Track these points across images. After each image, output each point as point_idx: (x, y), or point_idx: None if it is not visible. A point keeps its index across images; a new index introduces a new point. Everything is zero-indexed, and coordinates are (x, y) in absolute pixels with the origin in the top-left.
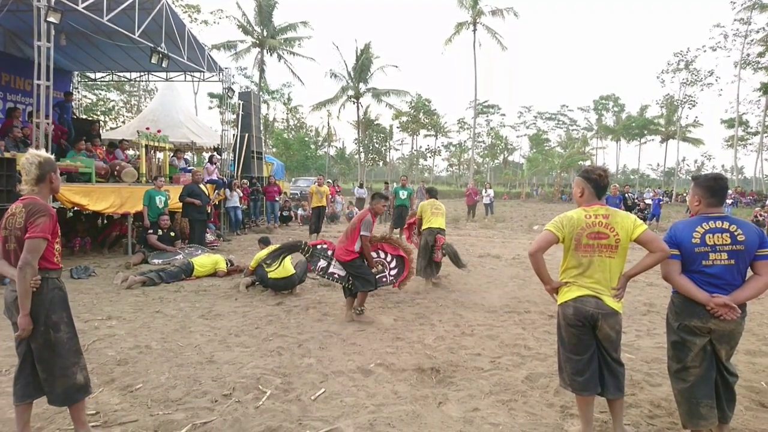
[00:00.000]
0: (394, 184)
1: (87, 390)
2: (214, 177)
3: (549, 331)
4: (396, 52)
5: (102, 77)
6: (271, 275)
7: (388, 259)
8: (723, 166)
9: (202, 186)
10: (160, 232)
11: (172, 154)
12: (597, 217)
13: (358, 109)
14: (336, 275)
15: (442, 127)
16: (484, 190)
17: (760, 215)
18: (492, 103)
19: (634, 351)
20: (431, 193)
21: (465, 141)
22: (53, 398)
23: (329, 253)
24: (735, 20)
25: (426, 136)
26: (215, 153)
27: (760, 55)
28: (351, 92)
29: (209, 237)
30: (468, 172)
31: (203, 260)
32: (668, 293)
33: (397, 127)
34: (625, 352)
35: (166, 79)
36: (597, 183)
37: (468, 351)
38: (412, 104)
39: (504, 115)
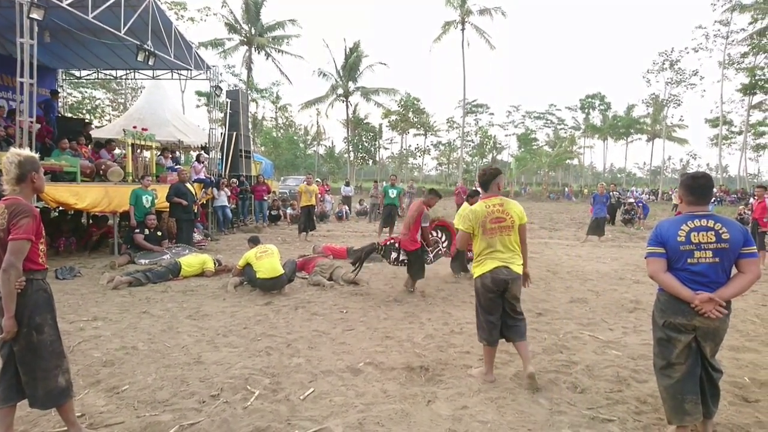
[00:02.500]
0: (384, 183)
1: (69, 393)
2: (202, 176)
3: (537, 328)
4: (385, 51)
5: (87, 75)
6: (259, 275)
7: (438, 234)
8: (708, 164)
9: (188, 185)
10: (146, 231)
11: (159, 153)
12: (494, 206)
13: (347, 107)
14: (405, 261)
15: (432, 126)
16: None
17: (744, 213)
18: (481, 102)
19: (621, 348)
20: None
21: (454, 140)
22: (34, 401)
23: (397, 245)
24: (716, 21)
25: (415, 135)
26: (203, 152)
27: (744, 55)
28: (340, 91)
29: (197, 236)
30: (457, 171)
31: (190, 260)
32: (654, 291)
33: (387, 126)
34: (611, 349)
35: (153, 77)
36: (485, 182)
37: (457, 349)
38: (402, 103)
39: (492, 114)
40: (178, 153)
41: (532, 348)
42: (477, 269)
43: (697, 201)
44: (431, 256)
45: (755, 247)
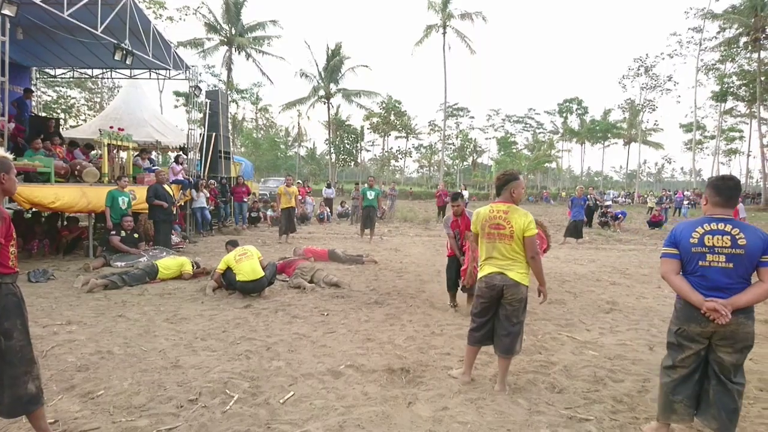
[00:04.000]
0: (365, 185)
1: (39, 401)
2: (180, 177)
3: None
4: (367, 53)
5: (62, 74)
6: (239, 278)
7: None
8: (682, 168)
9: (166, 186)
10: (123, 233)
11: (136, 154)
12: (498, 212)
13: (328, 109)
14: None
15: (413, 128)
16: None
17: None
18: (462, 105)
19: (598, 348)
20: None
21: (435, 143)
22: (1, 409)
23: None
24: (689, 29)
25: (397, 137)
26: (181, 153)
27: (719, 62)
28: (322, 92)
29: (175, 239)
30: (438, 173)
31: (168, 262)
32: (630, 292)
33: (368, 128)
34: (589, 350)
35: (130, 77)
36: (498, 186)
37: (438, 350)
38: (383, 105)
39: (473, 117)
40: (155, 154)
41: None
42: (479, 273)
43: (723, 203)
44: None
45: None
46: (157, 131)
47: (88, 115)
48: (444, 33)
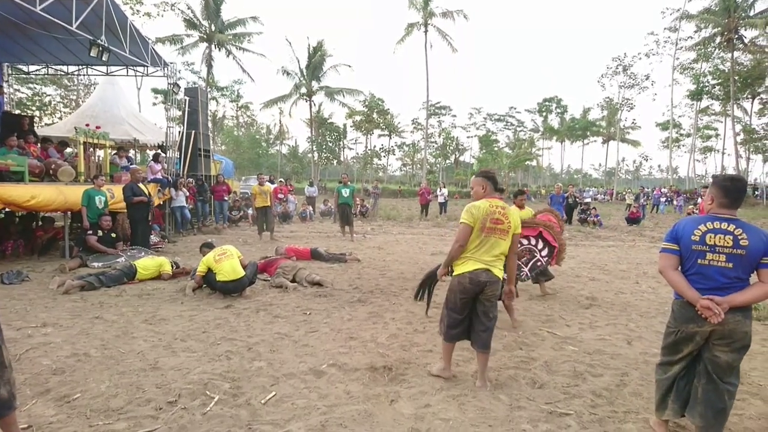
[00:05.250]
0: (337, 183)
1: (10, 405)
2: (159, 176)
3: (498, 326)
4: (349, 51)
5: (36, 70)
6: (219, 278)
7: (533, 242)
8: (659, 166)
9: (141, 185)
10: (100, 233)
11: (113, 152)
12: (497, 208)
13: (310, 107)
14: None
15: (396, 126)
16: (438, 190)
17: (693, 212)
18: (444, 104)
19: (578, 343)
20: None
21: (418, 141)
22: None
23: None
24: (665, 28)
25: (380, 135)
26: (160, 151)
27: (695, 61)
28: (303, 90)
29: (153, 238)
30: (421, 171)
31: (147, 263)
32: (609, 288)
33: (351, 126)
34: (569, 345)
35: (107, 74)
36: (495, 181)
37: (420, 348)
38: (366, 103)
39: (455, 116)
40: (133, 152)
41: (493, 345)
42: (458, 267)
43: (730, 204)
44: (526, 269)
45: None
46: (134, 129)
47: (64, 112)
48: (425, 31)
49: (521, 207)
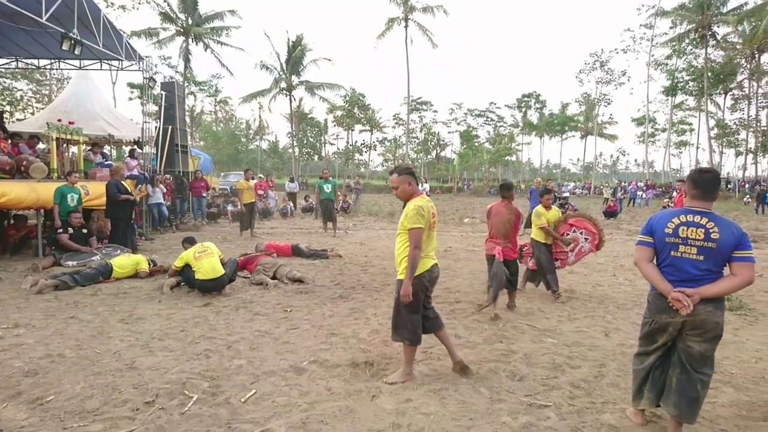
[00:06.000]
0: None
1: None
2: (135, 172)
3: (478, 320)
4: (330, 46)
5: (5, 64)
6: (198, 276)
7: (577, 233)
8: (636, 160)
9: (123, 182)
10: (71, 230)
11: (87, 148)
12: (430, 203)
13: (290, 101)
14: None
15: (377, 122)
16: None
17: (668, 205)
18: (425, 99)
19: (556, 335)
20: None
21: (399, 136)
22: None
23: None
24: (641, 25)
25: (361, 131)
26: (136, 147)
27: (669, 57)
28: (283, 84)
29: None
30: None
31: (123, 261)
32: (587, 280)
33: (332, 122)
34: (547, 337)
35: (80, 68)
36: (416, 177)
37: (402, 343)
38: (347, 98)
39: (436, 111)
40: (108, 148)
41: (473, 339)
42: (425, 265)
43: (701, 195)
44: (572, 256)
45: (750, 252)
46: (109, 124)
47: (37, 107)
48: (406, 26)
49: (548, 207)
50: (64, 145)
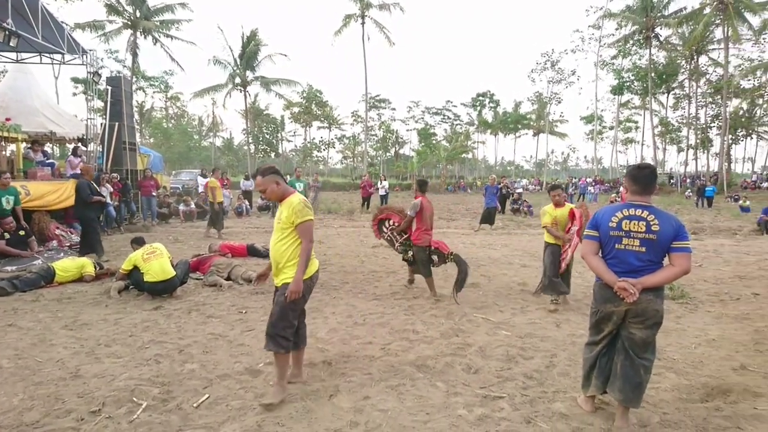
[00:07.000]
0: (288, 176)
1: None
2: (79, 171)
3: (435, 314)
4: (285, 42)
5: None
6: (147, 278)
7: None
8: (585, 157)
9: (96, 184)
10: (6, 235)
11: (27, 146)
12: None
13: (245, 97)
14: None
15: (335, 119)
16: (379, 182)
17: (616, 200)
18: (383, 97)
19: (510, 328)
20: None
21: (358, 134)
22: None
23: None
24: (590, 26)
25: (319, 128)
26: (80, 144)
27: (615, 57)
28: (238, 80)
29: (74, 238)
30: (362, 164)
31: (66, 264)
32: (539, 273)
33: (289, 118)
34: (502, 330)
35: (17, 61)
36: (281, 175)
37: (360, 340)
38: (304, 95)
39: (394, 109)
40: (50, 146)
41: (430, 333)
42: (313, 269)
43: (640, 191)
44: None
45: (688, 243)
46: (51, 121)
47: None
48: (363, 23)
49: (559, 204)
50: (1, 143)
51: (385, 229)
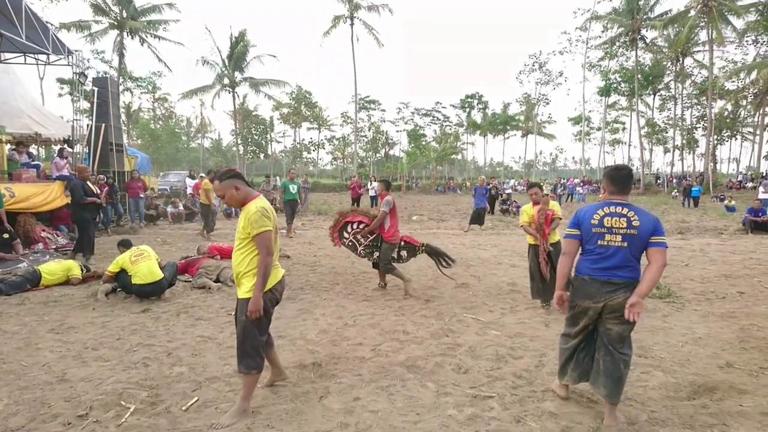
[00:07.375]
0: (278, 178)
1: None
2: (65, 172)
3: (425, 315)
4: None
5: None
6: (135, 281)
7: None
8: (573, 157)
9: (91, 184)
10: None
11: (11, 147)
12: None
13: (234, 98)
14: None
15: (325, 120)
16: (369, 183)
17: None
18: (373, 98)
19: (500, 327)
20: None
21: (348, 135)
22: None
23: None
24: (577, 28)
25: (309, 129)
26: (66, 146)
27: (602, 59)
28: (226, 81)
29: (61, 240)
30: (352, 165)
31: (52, 267)
32: (528, 273)
33: (278, 119)
34: (491, 329)
35: (1, 61)
36: (243, 178)
37: (350, 342)
38: (293, 96)
39: (384, 110)
40: (35, 147)
41: (420, 334)
42: (271, 279)
43: (618, 191)
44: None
45: (664, 238)
46: (36, 122)
47: None
48: (352, 24)
49: (538, 203)
50: None
51: (347, 234)
